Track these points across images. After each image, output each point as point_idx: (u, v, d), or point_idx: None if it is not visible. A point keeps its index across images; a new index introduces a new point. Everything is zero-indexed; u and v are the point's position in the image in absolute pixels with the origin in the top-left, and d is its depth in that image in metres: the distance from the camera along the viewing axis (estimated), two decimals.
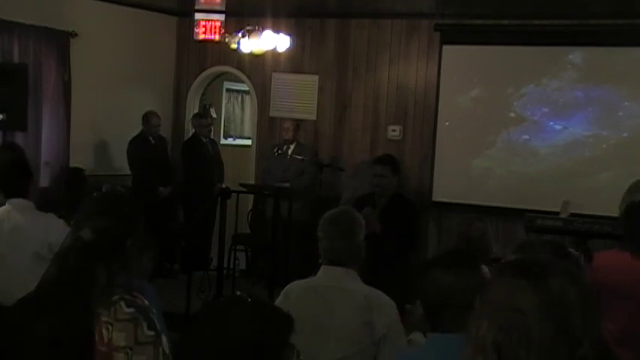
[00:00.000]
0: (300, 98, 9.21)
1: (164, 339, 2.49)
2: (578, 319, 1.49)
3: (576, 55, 8.03)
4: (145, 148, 8.77)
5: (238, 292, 1.92)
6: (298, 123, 8.67)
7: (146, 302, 2.53)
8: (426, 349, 2.56)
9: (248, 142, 10.20)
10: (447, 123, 8.46)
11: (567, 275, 1.54)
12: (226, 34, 8.61)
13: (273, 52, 8.81)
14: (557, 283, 1.51)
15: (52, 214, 4.33)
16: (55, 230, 4.14)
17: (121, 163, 9.02)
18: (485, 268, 4.14)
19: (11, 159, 4.86)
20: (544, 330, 1.46)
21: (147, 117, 8.85)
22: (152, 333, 2.45)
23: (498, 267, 1.62)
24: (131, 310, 2.45)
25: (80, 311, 2.38)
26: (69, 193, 4.51)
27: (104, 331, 2.42)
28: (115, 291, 2.46)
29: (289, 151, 8.47)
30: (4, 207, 4.35)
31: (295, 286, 3.40)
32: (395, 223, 5.57)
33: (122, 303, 2.45)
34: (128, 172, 8.89)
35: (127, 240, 2.55)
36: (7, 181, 4.42)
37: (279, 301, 3.35)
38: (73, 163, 7.62)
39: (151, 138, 8.88)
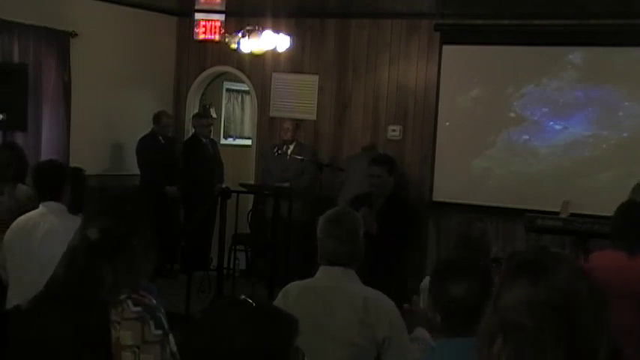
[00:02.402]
0: (300, 98, 9.21)
1: (171, 338, 2.49)
2: (591, 319, 1.45)
3: (576, 55, 8.03)
4: (154, 147, 8.79)
5: (243, 296, 1.91)
6: (298, 123, 8.67)
7: (154, 301, 2.53)
8: (440, 353, 2.60)
9: (248, 142, 10.20)
10: (447, 123, 8.46)
11: (576, 273, 1.51)
12: (226, 34, 8.61)
13: (273, 52, 8.81)
14: (567, 283, 1.47)
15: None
16: None
17: (122, 163, 9.03)
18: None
19: (46, 163, 4.85)
20: (557, 340, 1.42)
21: (158, 117, 8.88)
22: (159, 332, 2.45)
23: (505, 270, 1.57)
24: (138, 309, 2.45)
25: (92, 310, 2.38)
26: (69, 193, 4.49)
27: (111, 330, 2.43)
28: (122, 290, 2.47)
29: (289, 151, 8.47)
30: (37, 210, 4.34)
31: (294, 287, 3.39)
32: (392, 223, 5.55)
33: (129, 302, 2.45)
34: (128, 172, 8.89)
35: (133, 239, 2.55)
36: (42, 184, 4.41)
37: (277, 302, 3.34)
38: (73, 163, 7.61)
39: (161, 138, 8.90)
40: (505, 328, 1.46)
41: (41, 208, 4.33)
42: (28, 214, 4.38)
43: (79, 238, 2.54)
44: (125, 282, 2.48)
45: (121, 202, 2.68)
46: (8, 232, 4.37)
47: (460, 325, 2.47)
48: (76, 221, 4.25)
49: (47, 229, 4.22)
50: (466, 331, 2.42)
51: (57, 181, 4.38)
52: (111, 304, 2.43)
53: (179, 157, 9.26)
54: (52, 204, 4.31)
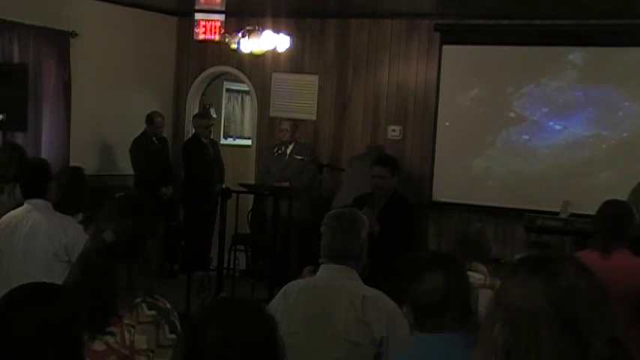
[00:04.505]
0: (300, 98, 9.20)
1: None
2: (587, 316, 1.47)
3: (576, 55, 8.02)
4: (148, 148, 8.77)
5: (224, 294, 1.91)
6: (296, 123, 8.66)
7: (168, 305, 2.53)
8: (415, 348, 2.61)
9: (248, 142, 10.20)
10: (447, 123, 8.45)
11: (579, 271, 1.53)
12: (226, 34, 8.61)
13: (273, 52, 8.81)
14: (566, 279, 1.50)
15: (69, 216, 4.35)
16: (72, 232, 4.19)
17: (122, 163, 9.02)
18: (482, 267, 4.15)
19: (32, 160, 4.86)
20: (552, 330, 1.46)
21: (151, 117, 8.85)
22: (174, 336, 2.44)
23: (510, 266, 1.61)
24: (153, 312, 2.45)
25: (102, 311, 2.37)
26: (68, 193, 4.50)
27: (126, 333, 2.41)
28: (137, 293, 2.46)
29: (288, 151, 8.47)
30: (22, 207, 4.37)
31: (294, 286, 3.39)
32: (393, 223, 5.55)
33: (144, 305, 2.45)
34: (128, 172, 8.88)
35: (148, 241, 2.55)
36: (27, 181, 4.44)
37: (277, 301, 3.34)
38: (73, 163, 7.62)
39: (154, 138, 8.88)
40: (505, 315, 1.51)
41: (25, 205, 4.37)
42: (12, 212, 4.41)
43: (94, 240, 2.54)
44: (139, 283, 2.47)
45: (134, 203, 2.69)
46: None
47: (431, 318, 2.49)
48: (63, 218, 4.29)
49: (31, 225, 4.25)
50: (439, 325, 2.46)
51: (40, 179, 4.40)
52: (125, 307, 2.43)
53: (179, 157, 9.26)
54: (36, 201, 4.34)
